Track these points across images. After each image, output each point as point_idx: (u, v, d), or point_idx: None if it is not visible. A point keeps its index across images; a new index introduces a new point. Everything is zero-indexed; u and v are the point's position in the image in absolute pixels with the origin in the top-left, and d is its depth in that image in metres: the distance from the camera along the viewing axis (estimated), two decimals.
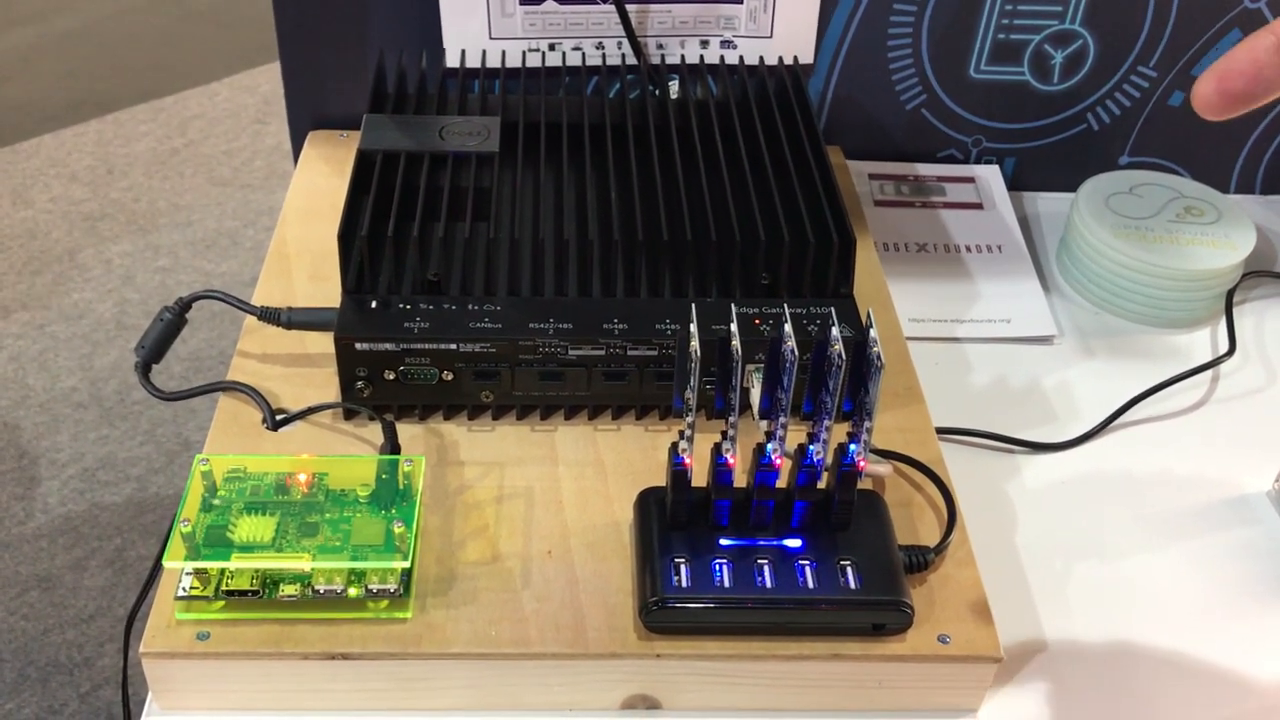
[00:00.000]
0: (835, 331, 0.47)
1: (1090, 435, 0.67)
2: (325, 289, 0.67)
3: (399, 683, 0.49)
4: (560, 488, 0.56)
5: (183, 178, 2.13)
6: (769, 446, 0.49)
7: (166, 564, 0.48)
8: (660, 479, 0.52)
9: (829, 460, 0.50)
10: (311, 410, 0.58)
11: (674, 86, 0.75)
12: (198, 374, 1.70)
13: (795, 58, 0.77)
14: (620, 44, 0.79)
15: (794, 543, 0.50)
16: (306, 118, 0.82)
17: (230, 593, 0.49)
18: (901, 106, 0.84)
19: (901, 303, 0.71)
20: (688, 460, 0.49)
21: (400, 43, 0.76)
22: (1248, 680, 0.55)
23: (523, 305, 0.59)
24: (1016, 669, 0.54)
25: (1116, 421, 0.68)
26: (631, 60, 0.79)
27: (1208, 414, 0.70)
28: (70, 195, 2.07)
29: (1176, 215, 0.77)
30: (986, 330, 0.74)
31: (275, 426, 0.58)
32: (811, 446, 0.49)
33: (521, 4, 0.77)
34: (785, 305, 0.55)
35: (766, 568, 0.50)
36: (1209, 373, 0.72)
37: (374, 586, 0.49)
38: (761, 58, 0.77)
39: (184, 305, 0.62)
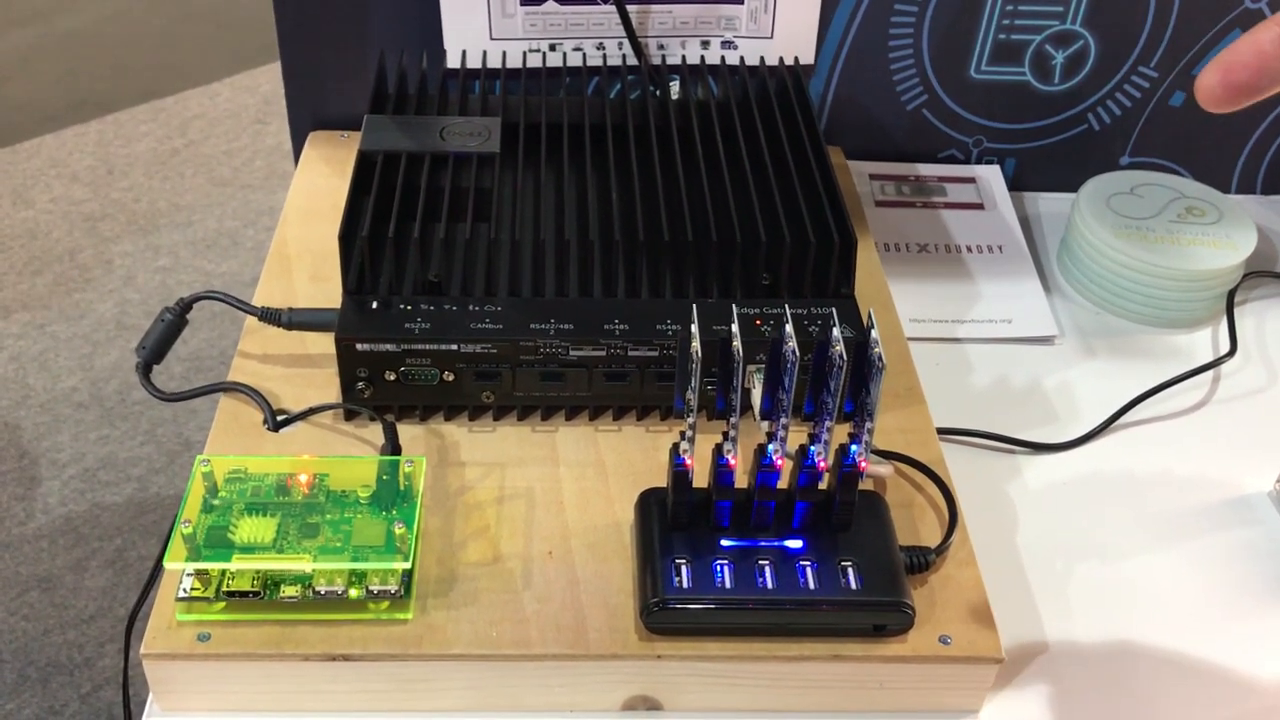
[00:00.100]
0: (836, 332, 0.47)
1: (1091, 436, 0.67)
2: (326, 289, 0.66)
3: (400, 684, 0.49)
4: (561, 488, 0.56)
5: (183, 178, 2.13)
6: (770, 447, 0.49)
7: (167, 565, 0.48)
8: (661, 480, 0.52)
9: (830, 461, 0.50)
10: (312, 411, 0.58)
11: (675, 87, 0.75)
12: (198, 374, 1.70)
13: (796, 58, 0.77)
14: (621, 44, 0.79)
15: (795, 543, 0.50)
16: (307, 118, 0.82)
17: (231, 594, 0.49)
18: (902, 107, 0.84)
19: (902, 303, 0.71)
20: (689, 461, 0.49)
21: (401, 43, 0.76)
22: (1248, 681, 0.55)
23: (524, 306, 0.59)
24: (1018, 670, 0.54)
25: (1117, 422, 0.68)
26: (632, 61, 0.79)
27: (1209, 414, 0.70)
28: (71, 195, 2.07)
29: (1177, 215, 0.77)
30: (987, 330, 0.74)
31: (276, 427, 0.58)
32: (813, 447, 0.49)
33: (522, 4, 0.77)
34: (786, 306, 0.55)
35: (767, 568, 0.50)
36: (1210, 373, 0.72)
37: (375, 587, 0.49)
38: (762, 58, 0.77)
39: (185, 306, 0.62)
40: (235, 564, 0.48)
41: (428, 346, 0.57)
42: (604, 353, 0.58)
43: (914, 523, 0.55)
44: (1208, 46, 0.81)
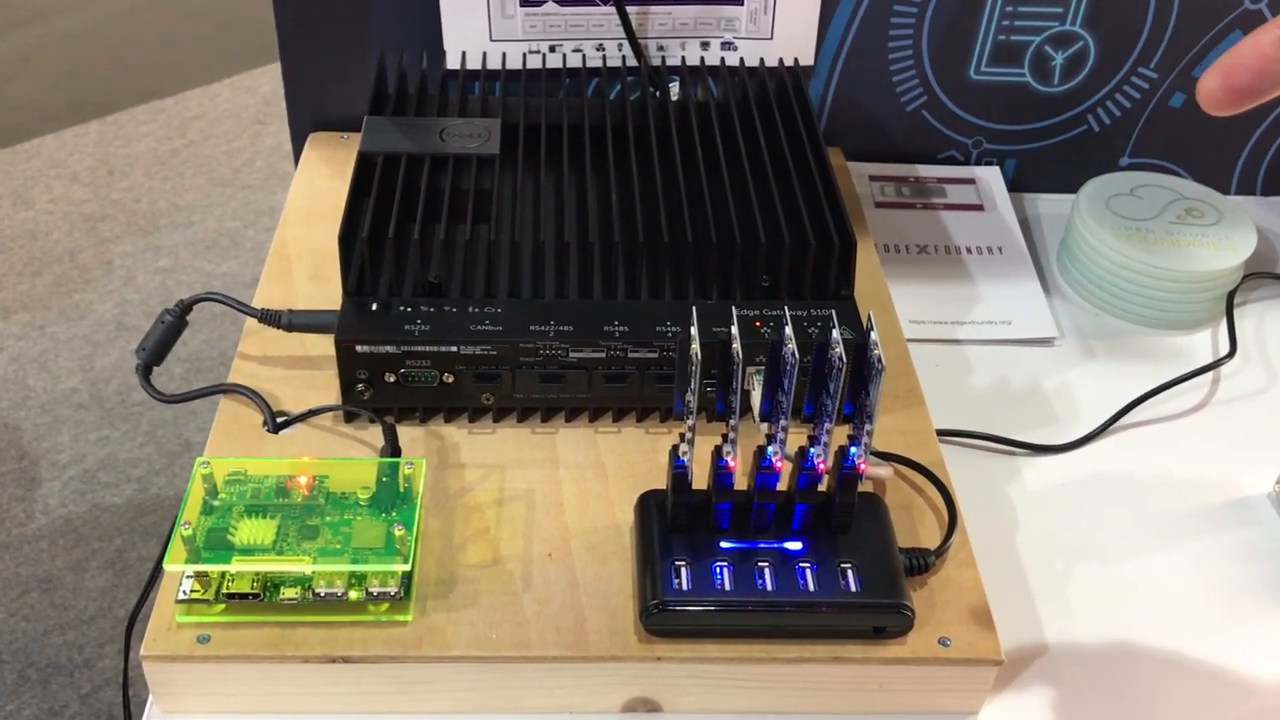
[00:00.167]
0: (836, 334, 0.47)
1: (1091, 437, 0.67)
2: (326, 291, 0.66)
3: (399, 685, 0.49)
4: (561, 490, 0.56)
5: (183, 178, 2.13)
6: (769, 449, 0.49)
7: (167, 567, 0.48)
8: (661, 481, 0.52)
9: (829, 463, 0.50)
10: (312, 413, 0.58)
11: (674, 88, 0.75)
12: (198, 375, 1.70)
13: (796, 59, 0.77)
14: (621, 46, 0.79)
15: (794, 545, 0.50)
16: (307, 119, 0.82)
17: (231, 595, 0.49)
18: (902, 108, 0.84)
19: (902, 304, 0.71)
20: (688, 463, 0.49)
21: (401, 44, 0.76)
22: (1248, 681, 0.55)
23: (523, 307, 0.59)
24: (1017, 671, 0.54)
25: (1117, 423, 0.68)
26: (632, 62, 0.79)
27: (1208, 416, 0.70)
28: (71, 196, 2.07)
29: (1177, 217, 0.77)
30: (987, 332, 0.74)
31: (276, 429, 0.58)
32: (812, 449, 0.49)
33: (522, 6, 0.77)
34: (786, 307, 0.55)
35: (767, 570, 0.50)
36: (1210, 374, 0.72)
37: (374, 589, 0.49)
38: (762, 59, 0.77)
39: (185, 307, 0.62)
40: (235, 566, 0.48)
41: (428, 348, 0.57)
42: (604, 354, 0.58)
43: (913, 524, 0.55)
44: (1207, 47, 0.81)
